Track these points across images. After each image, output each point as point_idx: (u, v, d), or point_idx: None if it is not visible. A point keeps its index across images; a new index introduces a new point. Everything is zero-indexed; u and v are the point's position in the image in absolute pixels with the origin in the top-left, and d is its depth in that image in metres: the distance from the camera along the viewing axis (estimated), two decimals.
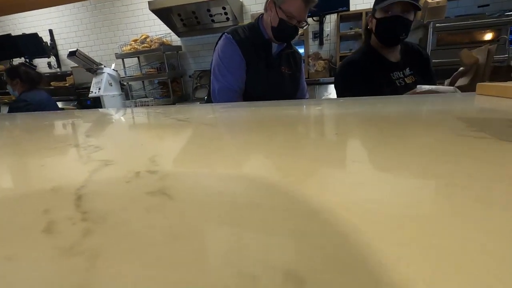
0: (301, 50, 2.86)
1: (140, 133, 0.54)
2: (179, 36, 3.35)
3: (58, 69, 3.89)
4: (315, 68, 2.81)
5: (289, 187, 0.22)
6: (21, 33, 3.69)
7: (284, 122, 0.51)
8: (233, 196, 0.21)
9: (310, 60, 2.84)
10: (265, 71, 1.15)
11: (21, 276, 0.13)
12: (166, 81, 3.29)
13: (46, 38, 3.71)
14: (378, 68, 1.12)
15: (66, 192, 0.23)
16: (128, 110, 0.99)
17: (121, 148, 0.40)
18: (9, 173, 0.33)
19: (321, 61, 2.81)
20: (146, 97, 3.48)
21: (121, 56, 3.23)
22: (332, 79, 2.61)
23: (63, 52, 3.78)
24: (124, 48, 3.24)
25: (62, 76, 3.65)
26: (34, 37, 3.54)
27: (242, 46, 1.11)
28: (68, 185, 0.25)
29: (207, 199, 0.21)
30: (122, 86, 3.39)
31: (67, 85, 3.59)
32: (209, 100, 1.51)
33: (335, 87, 1.25)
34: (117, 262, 0.14)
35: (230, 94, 1.14)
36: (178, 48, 3.38)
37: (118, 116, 0.83)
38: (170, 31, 3.22)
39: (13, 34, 3.59)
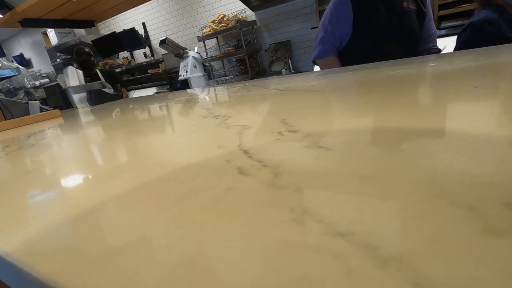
0: None
1: (253, 103, 0.59)
2: (253, 11, 3.36)
3: (152, 58, 4.41)
4: None
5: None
6: (122, 30, 4.29)
7: (384, 82, 0.48)
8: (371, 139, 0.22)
9: None
10: (384, 9, 1.04)
11: (250, 198, 0.17)
12: (243, 58, 3.39)
13: (141, 31, 4.22)
14: None
15: (232, 149, 0.28)
16: (227, 86, 1.08)
17: (246, 115, 0.45)
18: (173, 139, 0.41)
19: None
20: (226, 75, 3.68)
21: (202, 39, 3.45)
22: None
23: (154, 42, 4.26)
24: (204, 30, 3.45)
25: (156, 64, 4.14)
26: (132, 31, 4.06)
27: None
28: (228, 144, 0.30)
29: (364, 148, 0.22)
30: (204, 67, 3.65)
31: (160, 71, 4.06)
32: None
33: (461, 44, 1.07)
34: (314, 193, 0.17)
35: (322, 46, 1.12)
36: (253, 23, 3.40)
37: (222, 92, 0.92)
38: (244, 6, 3.26)
39: (116, 32, 4.19)
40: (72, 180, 0.30)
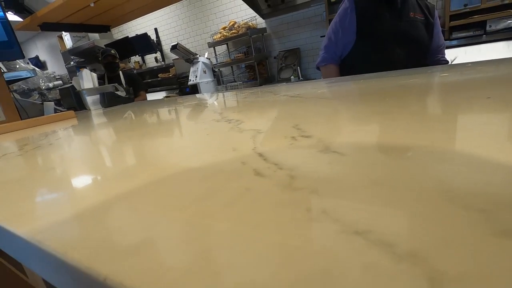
0: None
1: (264, 108, 0.60)
2: (263, 18, 3.41)
3: (162, 63, 4.50)
4: None
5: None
6: (134, 34, 4.39)
7: (395, 90, 0.48)
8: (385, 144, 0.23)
9: None
10: (390, 19, 1.06)
11: (267, 198, 0.18)
12: (252, 65, 3.42)
13: (153, 36, 4.31)
14: None
15: (246, 152, 0.29)
16: (236, 92, 1.09)
17: (258, 120, 0.46)
18: (188, 142, 0.42)
19: None
20: (235, 81, 3.72)
21: (213, 45, 3.50)
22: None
23: (166, 47, 4.34)
24: (215, 37, 3.50)
25: (167, 68, 4.21)
26: (144, 36, 4.15)
27: (360, 2, 1.07)
28: (242, 147, 0.31)
29: (376, 154, 0.23)
30: (214, 73, 3.70)
31: (170, 75, 4.13)
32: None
33: None
34: (330, 195, 0.18)
35: (324, 53, 1.17)
36: (263, 30, 3.44)
37: (232, 97, 0.93)
38: (255, 14, 3.31)
39: (129, 36, 4.29)
40: (90, 178, 0.32)
